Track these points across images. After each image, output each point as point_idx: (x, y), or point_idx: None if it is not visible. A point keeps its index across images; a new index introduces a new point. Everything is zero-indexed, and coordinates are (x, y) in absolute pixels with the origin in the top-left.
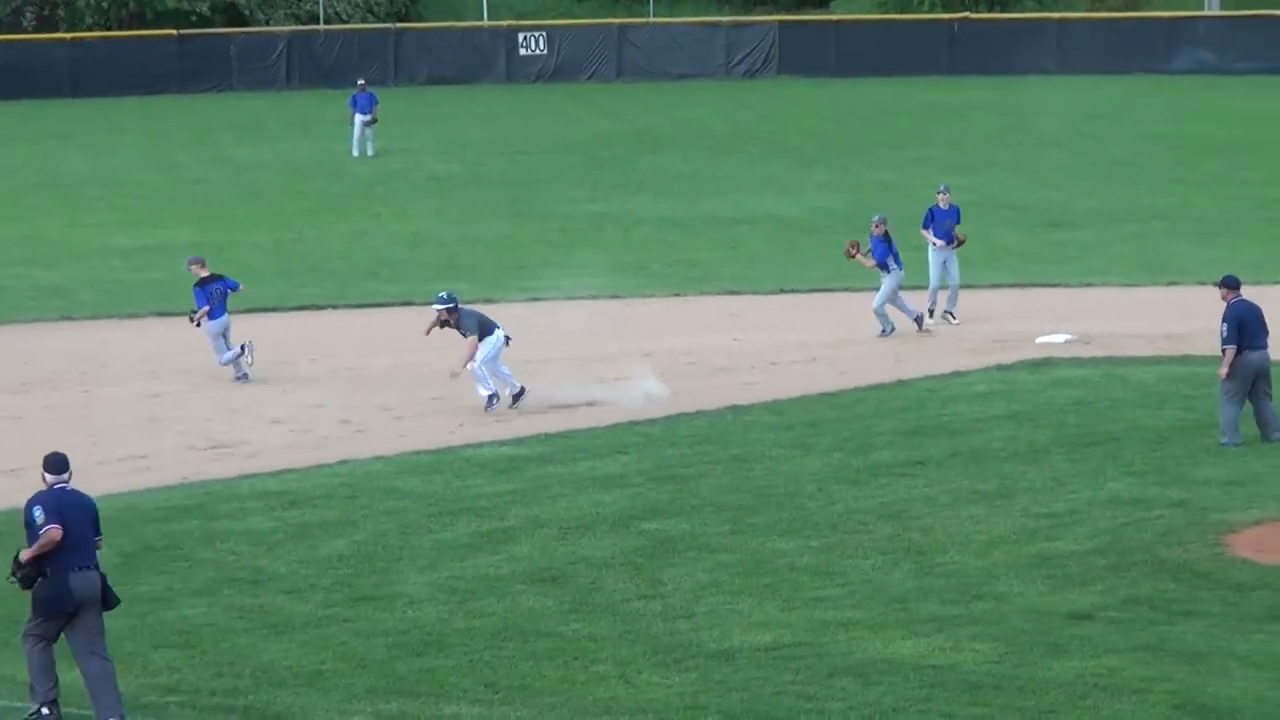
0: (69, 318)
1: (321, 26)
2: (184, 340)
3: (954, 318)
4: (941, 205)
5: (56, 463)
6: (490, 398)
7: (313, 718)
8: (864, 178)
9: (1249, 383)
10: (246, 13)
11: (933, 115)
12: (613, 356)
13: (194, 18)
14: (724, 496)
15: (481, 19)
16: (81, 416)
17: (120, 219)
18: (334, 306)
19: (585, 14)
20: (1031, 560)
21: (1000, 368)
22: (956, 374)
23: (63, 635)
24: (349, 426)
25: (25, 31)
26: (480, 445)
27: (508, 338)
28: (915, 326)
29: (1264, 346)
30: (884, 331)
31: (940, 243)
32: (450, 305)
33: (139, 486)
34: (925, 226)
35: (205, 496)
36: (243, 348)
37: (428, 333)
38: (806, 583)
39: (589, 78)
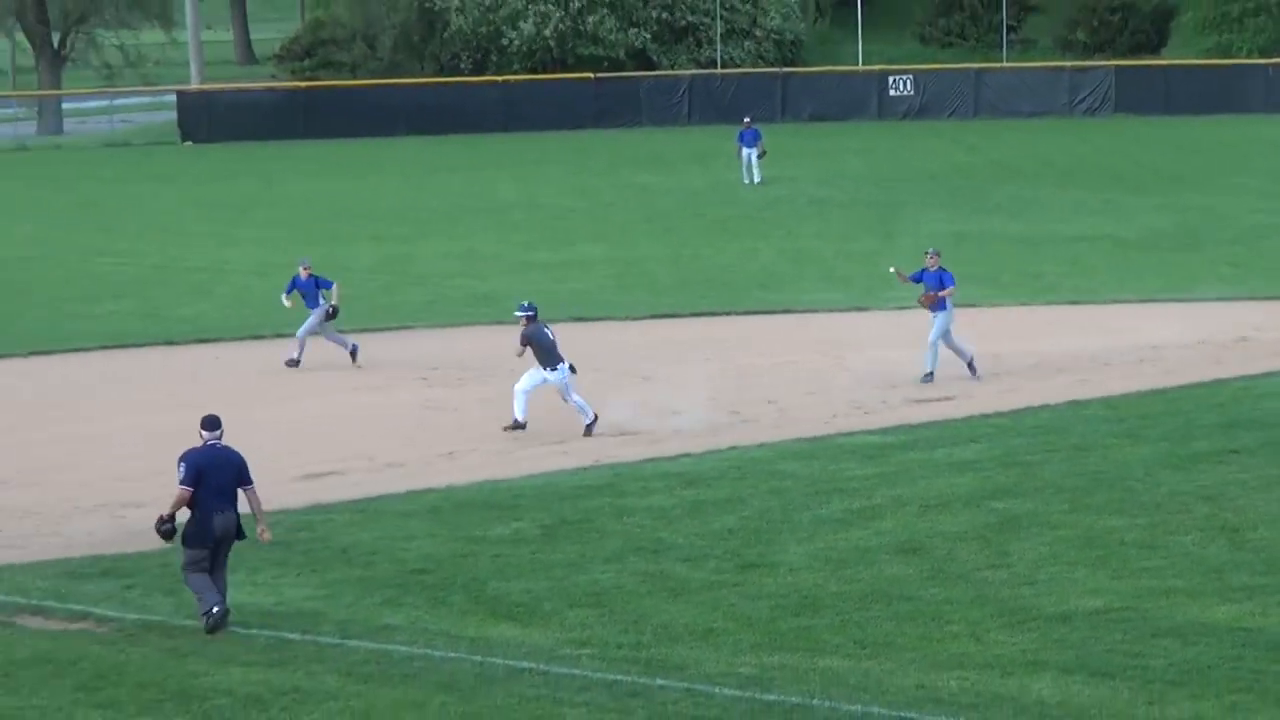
0: (499, 323)
1: (719, 70)
2: (598, 341)
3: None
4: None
5: (209, 422)
6: (516, 424)
7: (705, 669)
8: (1190, 202)
9: None
10: (654, 59)
11: (1250, 148)
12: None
13: (608, 63)
14: (1063, 480)
15: (857, 64)
16: (506, 405)
17: (542, 237)
18: (727, 313)
19: (947, 59)
20: None
21: None
22: (1270, 374)
23: None
24: (737, 417)
25: (463, 75)
26: (851, 434)
27: (572, 367)
28: (969, 373)
29: None
30: (926, 376)
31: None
32: (529, 314)
33: (557, 468)
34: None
35: (614, 477)
36: (353, 350)
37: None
38: (1134, 555)
39: (950, 115)
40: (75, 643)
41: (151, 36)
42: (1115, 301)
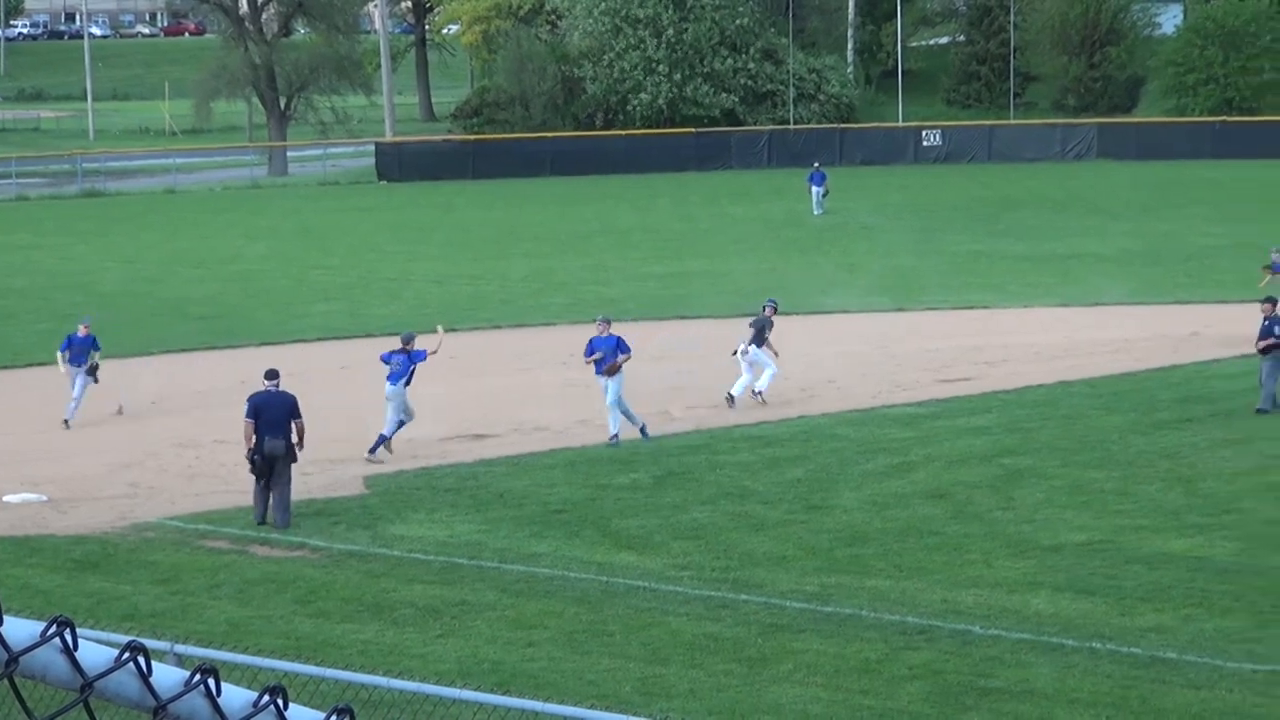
0: (621, 319)
1: (791, 126)
2: (695, 334)
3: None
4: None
5: (269, 373)
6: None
7: (779, 587)
8: (1154, 228)
9: None
10: (742, 117)
11: (1201, 186)
12: (979, 348)
13: (706, 120)
14: (1055, 442)
15: (898, 121)
16: (630, 384)
17: (655, 254)
18: (796, 313)
19: (967, 117)
20: (1267, 486)
21: (1244, 356)
22: (1216, 360)
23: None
24: (805, 394)
25: (596, 129)
26: (892, 406)
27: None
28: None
29: None
30: (612, 438)
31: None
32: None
33: (665, 432)
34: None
35: (709, 439)
36: (66, 420)
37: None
38: (1110, 500)
39: (969, 160)
40: (293, 567)
41: (356, 100)
42: (1096, 305)
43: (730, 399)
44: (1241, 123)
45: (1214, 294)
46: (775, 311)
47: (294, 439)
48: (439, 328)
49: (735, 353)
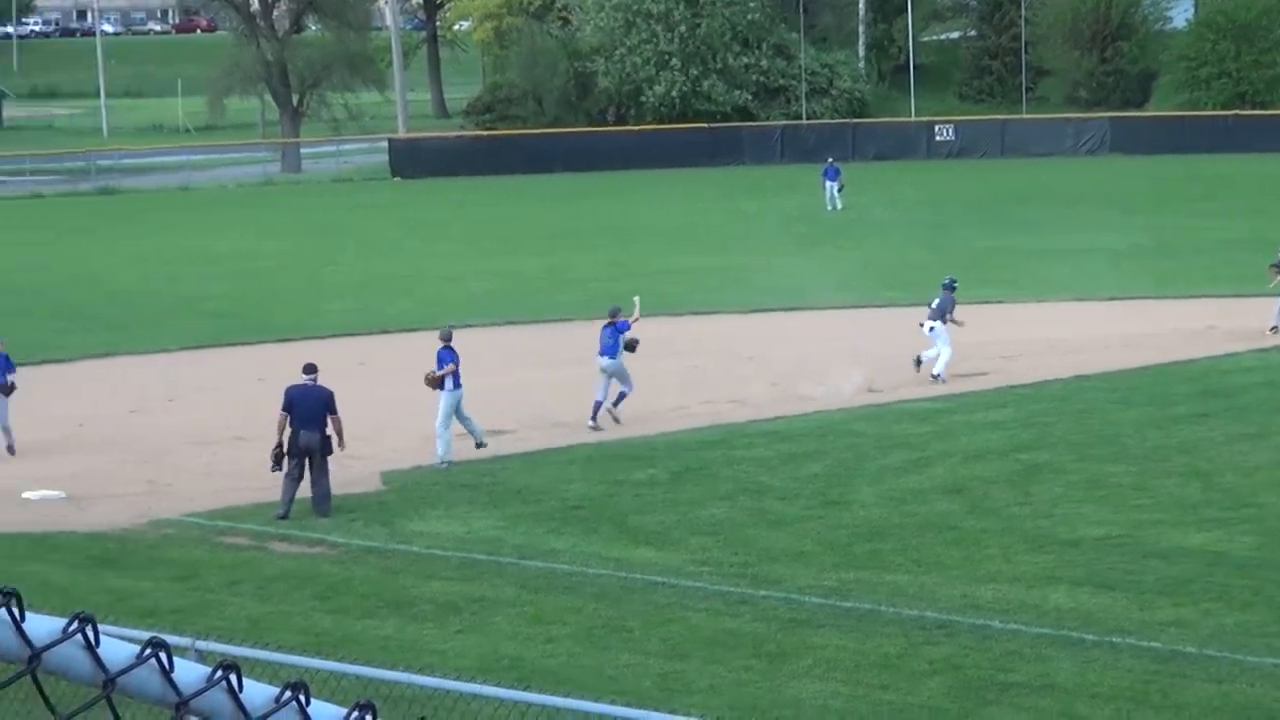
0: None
1: (804, 121)
2: (706, 329)
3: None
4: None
5: (307, 367)
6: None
7: (797, 582)
8: (1167, 222)
9: None
10: (754, 113)
11: (1214, 180)
12: (994, 342)
13: (719, 116)
14: (1071, 436)
15: (910, 116)
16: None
17: (667, 249)
18: (810, 308)
19: (980, 112)
20: None
21: (1260, 351)
22: (1230, 354)
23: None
24: (822, 390)
25: (608, 125)
26: (909, 401)
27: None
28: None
29: None
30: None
31: None
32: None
33: (681, 428)
34: None
35: (726, 434)
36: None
37: None
38: (1128, 495)
39: (982, 155)
40: (312, 563)
41: (368, 97)
42: (1109, 299)
43: (918, 362)
44: (1254, 117)
45: (1229, 288)
46: (953, 290)
47: (330, 433)
48: (635, 299)
49: (921, 325)
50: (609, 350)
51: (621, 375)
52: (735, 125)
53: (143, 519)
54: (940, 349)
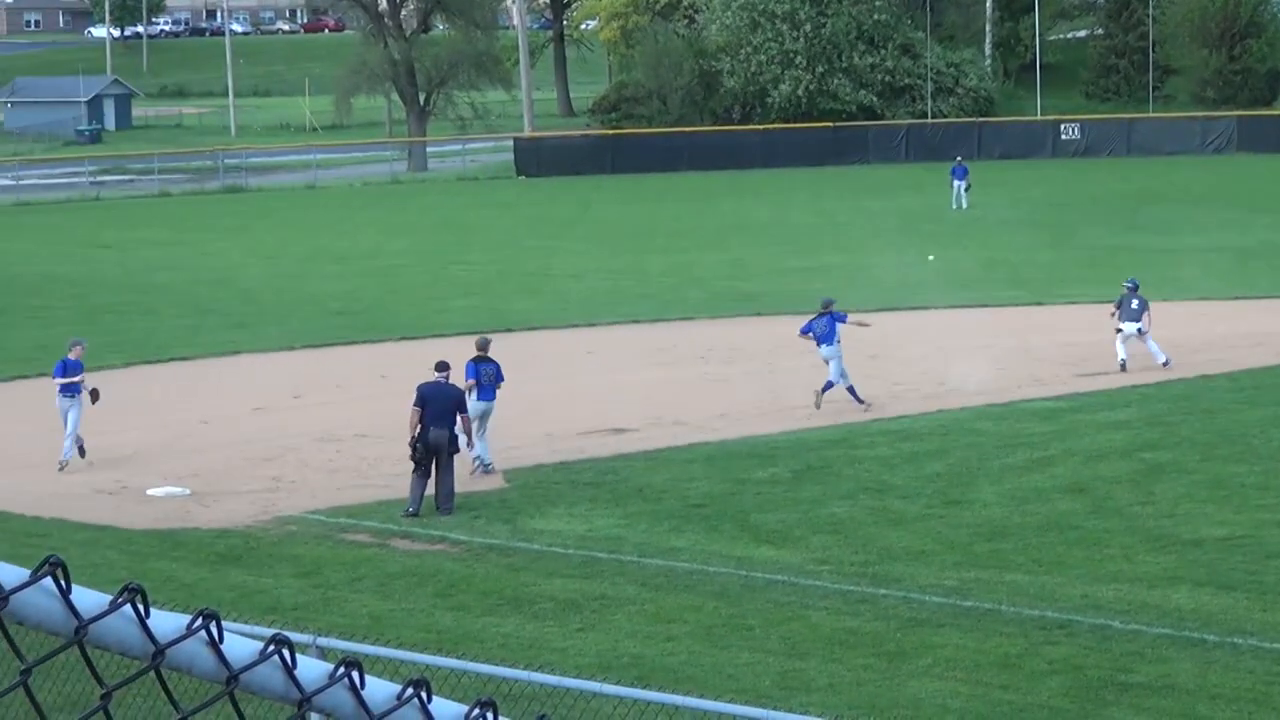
0: (759, 314)
1: (929, 120)
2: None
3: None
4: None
5: (439, 365)
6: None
7: (918, 581)
8: None
9: None
10: (879, 111)
11: None
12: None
13: (844, 114)
14: (1196, 436)
15: (1036, 115)
16: (764, 378)
17: (792, 249)
18: (932, 307)
19: (1106, 111)
20: None
21: None
22: None
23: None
24: (943, 387)
25: (733, 124)
26: (1031, 400)
27: None
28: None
29: None
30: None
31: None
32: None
33: (804, 426)
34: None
35: (847, 433)
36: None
37: None
38: (1252, 495)
39: (1108, 154)
40: (434, 560)
41: (495, 96)
42: (1237, 298)
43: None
44: None
45: None
46: (1135, 290)
47: (458, 432)
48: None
49: (1117, 330)
50: (826, 338)
51: (837, 363)
52: (860, 124)
53: (266, 516)
54: (1150, 346)
